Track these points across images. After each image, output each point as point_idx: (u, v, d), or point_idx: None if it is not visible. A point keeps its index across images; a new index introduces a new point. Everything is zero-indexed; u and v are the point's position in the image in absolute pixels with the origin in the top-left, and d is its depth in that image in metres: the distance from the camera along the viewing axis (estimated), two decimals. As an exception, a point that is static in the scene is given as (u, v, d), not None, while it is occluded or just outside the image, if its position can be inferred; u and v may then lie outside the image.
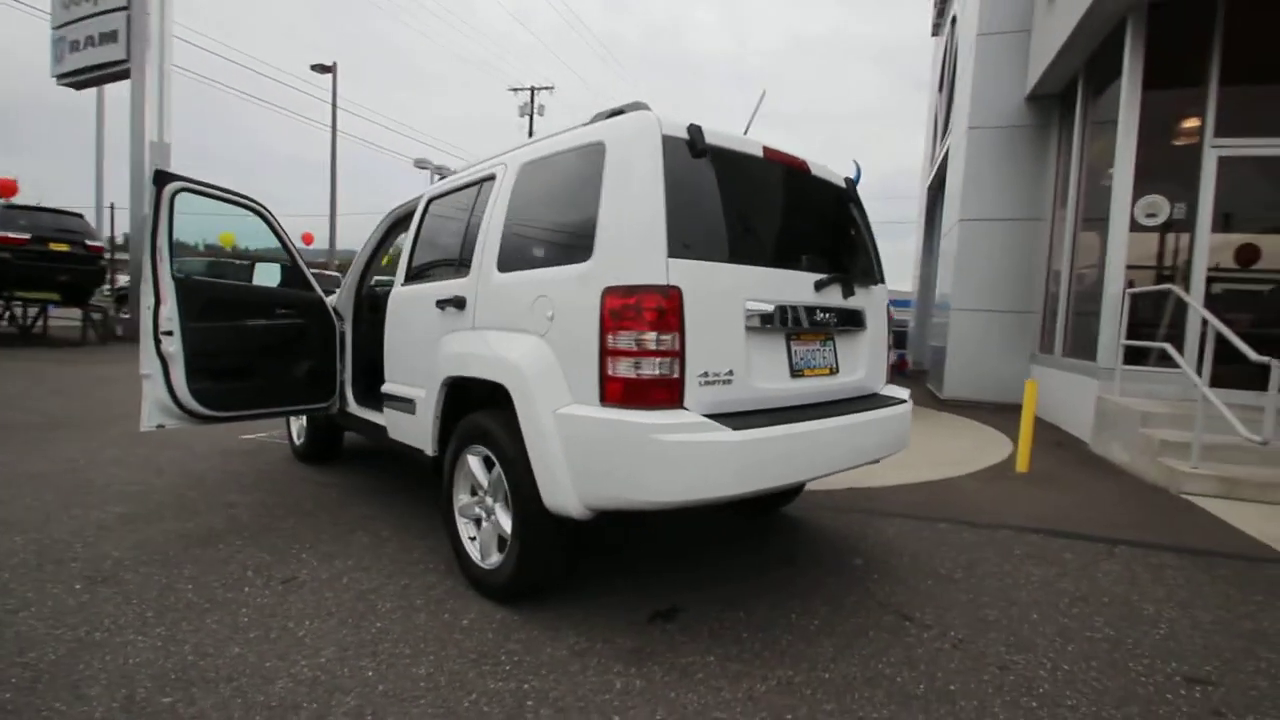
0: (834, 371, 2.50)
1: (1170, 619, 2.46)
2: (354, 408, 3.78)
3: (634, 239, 1.97)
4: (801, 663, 2.05)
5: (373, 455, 4.62)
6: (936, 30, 14.63)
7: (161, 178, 3.08)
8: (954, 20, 11.64)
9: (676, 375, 1.92)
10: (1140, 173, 5.78)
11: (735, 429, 1.92)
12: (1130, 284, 5.80)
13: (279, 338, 3.64)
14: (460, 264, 2.72)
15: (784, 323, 2.29)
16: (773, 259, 2.28)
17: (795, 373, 2.32)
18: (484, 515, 2.46)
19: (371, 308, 4.10)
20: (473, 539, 2.55)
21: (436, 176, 24.64)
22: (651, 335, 1.90)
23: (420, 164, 24.97)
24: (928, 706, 1.84)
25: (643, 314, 1.90)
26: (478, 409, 2.51)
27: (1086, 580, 2.80)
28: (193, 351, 3.20)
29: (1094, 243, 7.26)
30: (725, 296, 2.08)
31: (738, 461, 1.93)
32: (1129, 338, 5.55)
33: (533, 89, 29.66)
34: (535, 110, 29.26)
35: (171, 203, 3.10)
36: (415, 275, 3.13)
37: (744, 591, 2.55)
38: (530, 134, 28.91)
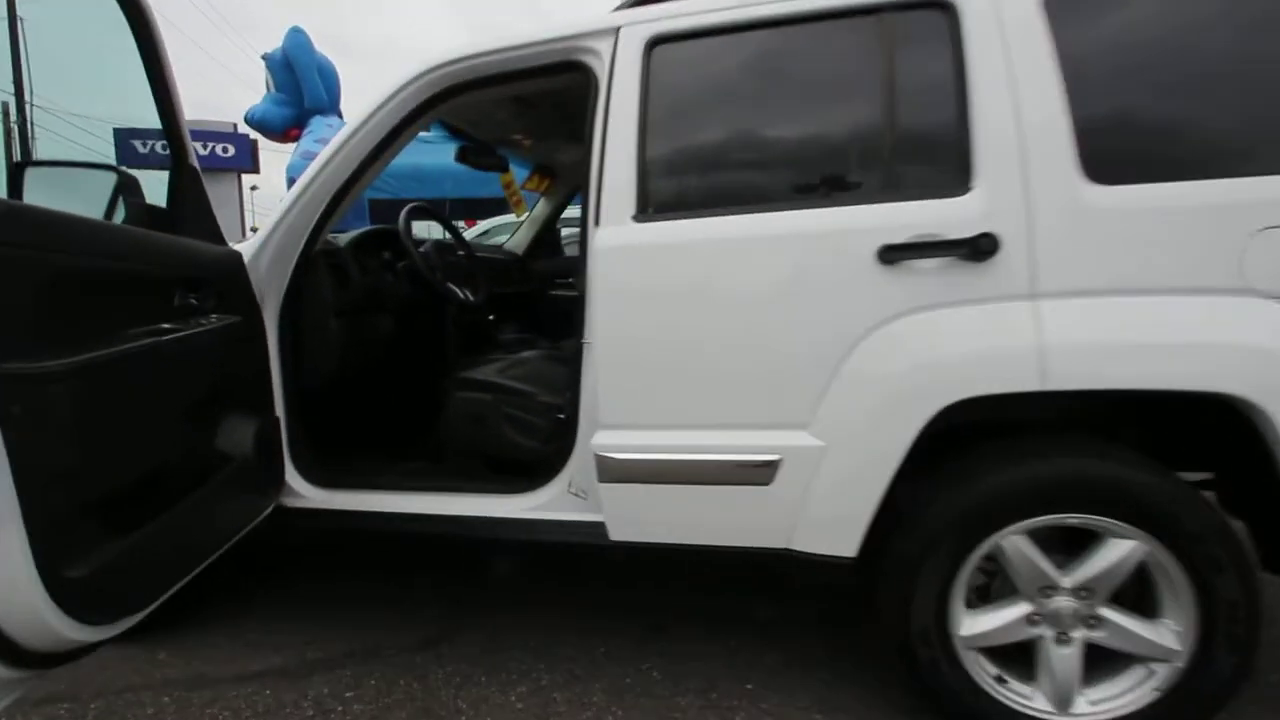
0: None
1: None
2: (311, 495, 1.80)
3: None
4: None
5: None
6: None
7: None
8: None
9: None
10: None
11: None
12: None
13: (201, 374, 1.43)
14: (912, 175, 1.41)
15: None
16: None
17: None
18: (1053, 634, 1.38)
19: (338, 282, 1.98)
20: (1003, 680, 1.43)
21: None
22: None
23: None
24: None
25: None
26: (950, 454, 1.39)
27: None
28: (56, 464, 0.96)
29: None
30: None
31: None
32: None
33: None
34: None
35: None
36: (673, 203, 1.54)
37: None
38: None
